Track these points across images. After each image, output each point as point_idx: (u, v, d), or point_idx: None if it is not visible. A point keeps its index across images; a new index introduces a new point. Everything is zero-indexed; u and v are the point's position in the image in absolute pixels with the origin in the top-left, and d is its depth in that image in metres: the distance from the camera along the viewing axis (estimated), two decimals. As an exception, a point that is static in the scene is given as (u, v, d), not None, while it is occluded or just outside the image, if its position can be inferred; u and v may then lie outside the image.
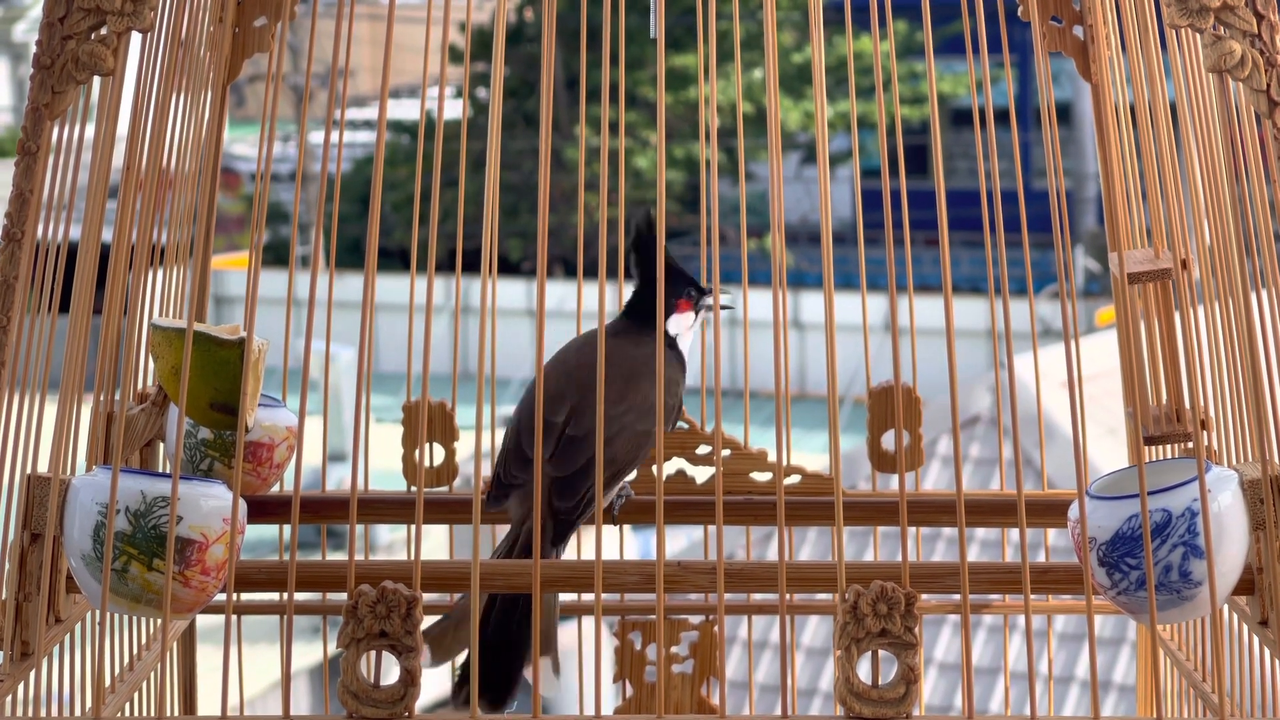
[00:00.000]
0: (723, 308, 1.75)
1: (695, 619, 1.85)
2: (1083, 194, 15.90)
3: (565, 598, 1.87)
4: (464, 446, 1.86)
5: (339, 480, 8.31)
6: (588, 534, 1.90)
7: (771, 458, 1.81)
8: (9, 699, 1.41)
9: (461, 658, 1.68)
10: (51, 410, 1.46)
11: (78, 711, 1.53)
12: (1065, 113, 15.95)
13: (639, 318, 1.72)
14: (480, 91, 15.15)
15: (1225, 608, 1.56)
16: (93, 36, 1.40)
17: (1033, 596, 1.44)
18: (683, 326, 1.75)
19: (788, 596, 1.44)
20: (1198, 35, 1.43)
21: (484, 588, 1.43)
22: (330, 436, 7.77)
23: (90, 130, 1.46)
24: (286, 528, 1.80)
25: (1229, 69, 1.40)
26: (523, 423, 1.67)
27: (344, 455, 8.11)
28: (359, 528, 1.93)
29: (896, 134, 1.51)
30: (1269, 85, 1.40)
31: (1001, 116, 1.51)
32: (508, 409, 1.78)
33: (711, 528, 1.81)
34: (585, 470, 1.63)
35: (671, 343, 1.73)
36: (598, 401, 1.40)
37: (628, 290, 1.85)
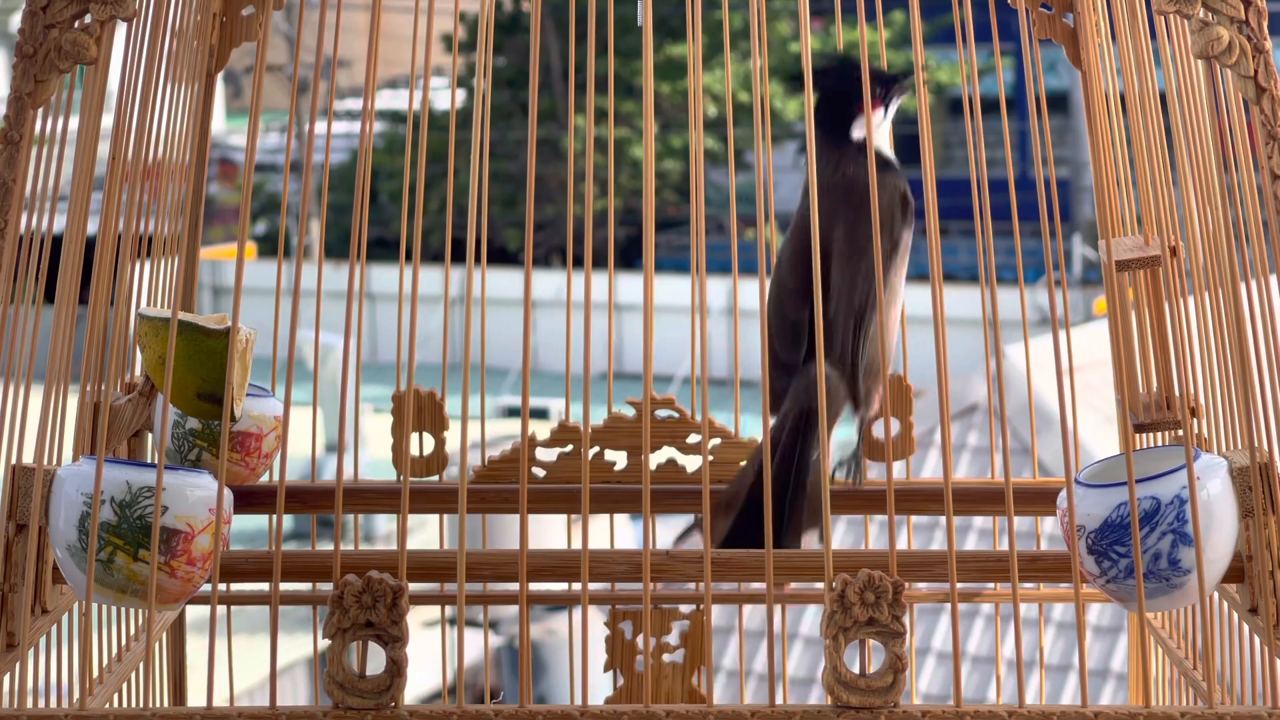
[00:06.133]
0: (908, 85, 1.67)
1: (686, 608, 1.85)
2: (1081, 182, 15.89)
3: (556, 587, 1.87)
4: (454, 436, 1.86)
5: (335, 470, 8.30)
6: (577, 523, 1.90)
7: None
8: (-5, 690, 1.40)
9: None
10: (37, 401, 1.46)
11: (64, 703, 1.52)
12: (1062, 101, 15.94)
13: (831, 131, 1.64)
14: (477, 81, 15.14)
15: (1215, 595, 1.56)
16: (76, 25, 1.39)
17: (1024, 585, 1.44)
18: (877, 123, 1.67)
19: (781, 585, 1.44)
20: (1185, 21, 1.42)
21: (471, 577, 1.42)
22: (327, 427, 7.78)
23: (75, 120, 1.45)
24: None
25: (1216, 55, 1.40)
26: (772, 325, 1.62)
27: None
28: (355, 518, 1.93)
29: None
30: (1256, 71, 1.39)
31: (998, 105, 1.50)
32: (498, 398, 1.78)
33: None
34: (842, 332, 1.59)
35: (861, 147, 1.64)
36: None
37: (620, 280, 1.84)
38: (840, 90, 1.64)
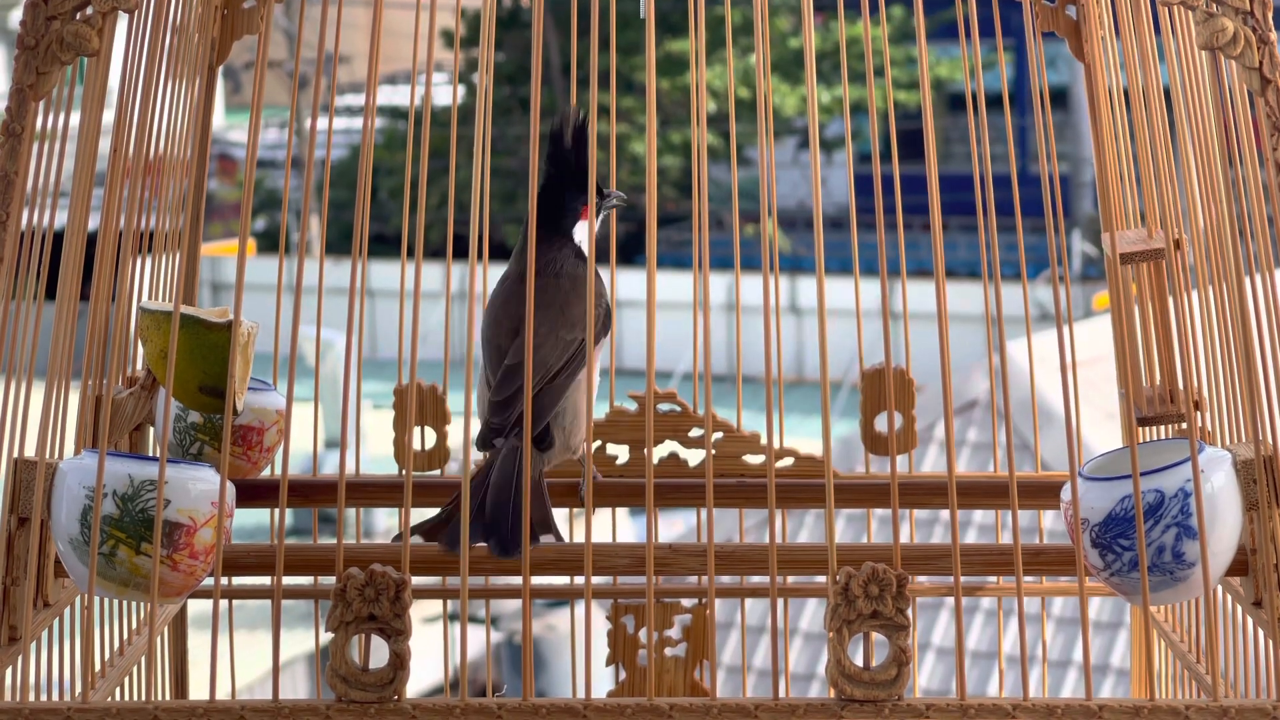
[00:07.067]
0: (619, 204, 1.74)
1: (688, 602, 1.84)
2: (1080, 178, 15.89)
3: (559, 581, 1.87)
4: (456, 431, 1.86)
5: (336, 466, 8.29)
6: (580, 517, 1.90)
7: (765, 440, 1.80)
8: (-3, 684, 1.40)
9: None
10: (39, 395, 1.46)
11: (67, 697, 1.52)
12: (1062, 97, 15.93)
13: (547, 227, 1.68)
14: (478, 77, 15.13)
15: (1219, 589, 1.56)
16: (77, 16, 1.39)
17: (1026, 579, 1.44)
18: (584, 234, 1.72)
19: (783, 579, 1.44)
20: (1190, 13, 1.42)
21: (473, 571, 1.42)
22: (328, 424, 7.78)
23: (76, 116, 1.45)
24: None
25: (1221, 46, 1.40)
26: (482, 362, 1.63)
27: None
28: (357, 513, 1.92)
29: (889, 118, 1.50)
30: (1261, 62, 1.39)
31: (998, 100, 1.50)
32: (499, 395, 1.76)
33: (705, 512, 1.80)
34: (519, 391, 1.57)
35: (579, 252, 1.70)
36: (528, 329, 1.41)
37: (620, 275, 1.85)
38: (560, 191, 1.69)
